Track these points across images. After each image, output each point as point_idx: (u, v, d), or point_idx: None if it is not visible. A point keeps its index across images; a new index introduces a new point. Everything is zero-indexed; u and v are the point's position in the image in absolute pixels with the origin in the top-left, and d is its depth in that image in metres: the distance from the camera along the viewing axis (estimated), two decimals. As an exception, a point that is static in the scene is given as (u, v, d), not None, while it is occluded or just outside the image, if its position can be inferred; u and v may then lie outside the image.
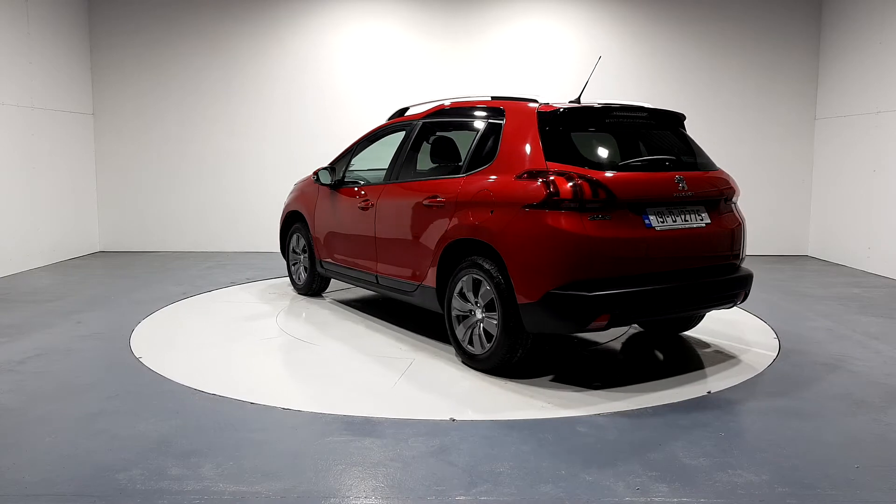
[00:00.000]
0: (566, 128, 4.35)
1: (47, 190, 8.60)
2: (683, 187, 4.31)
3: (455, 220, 4.57)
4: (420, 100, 6.67)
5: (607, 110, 4.53)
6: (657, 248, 4.20)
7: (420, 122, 5.42)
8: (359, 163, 6.26)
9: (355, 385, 4.29)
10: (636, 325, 5.55)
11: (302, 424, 3.67)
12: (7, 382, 4.29)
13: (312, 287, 6.74)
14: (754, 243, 9.57)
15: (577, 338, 5.35)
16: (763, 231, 9.64)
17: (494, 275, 4.24)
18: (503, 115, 4.59)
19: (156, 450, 3.32)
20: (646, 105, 4.80)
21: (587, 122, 4.54)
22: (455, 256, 4.65)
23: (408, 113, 5.94)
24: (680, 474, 3.11)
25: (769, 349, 5.07)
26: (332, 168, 6.20)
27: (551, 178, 4.03)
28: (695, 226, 4.38)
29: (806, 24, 9.41)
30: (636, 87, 9.47)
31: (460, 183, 4.63)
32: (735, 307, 4.89)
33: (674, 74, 9.49)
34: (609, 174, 4.15)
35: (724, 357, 4.92)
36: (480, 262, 4.35)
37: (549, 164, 4.13)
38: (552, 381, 4.36)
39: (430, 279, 4.83)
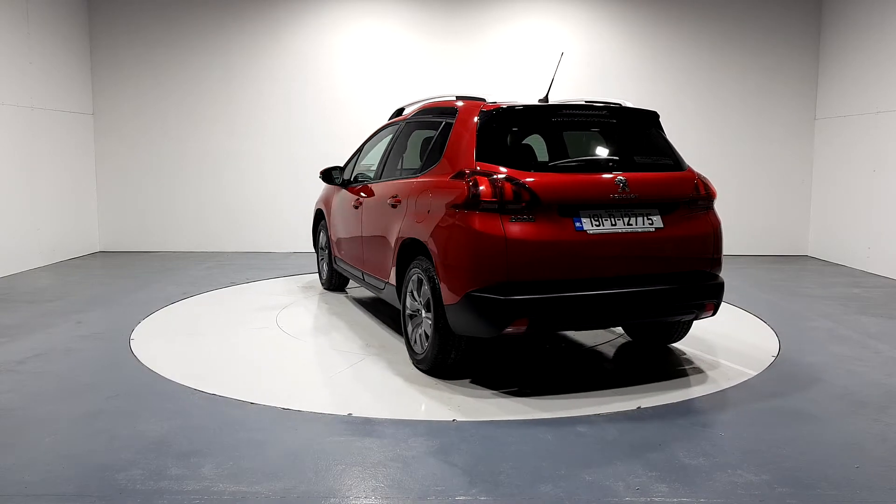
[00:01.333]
0: (506, 127, 4.30)
1: (47, 190, 8.60)
2: (624, 189, 4.04)
3: (407, 220, 4.63)
4: (419, 100, 6.67)
5: (553, 109, 4.43)
6: (589, 253, 3.97)
7: (403, 123, 5.55)
8: (367, 161, 6.39)
9: (293, 377, 4.34)
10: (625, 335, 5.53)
11: (302, 424, 3.67)
12: (7, 382, 4.29)
13: (332, 282, 7.01)
14: (754, 243, 9.63)
15: (568, 338, 5.35)
16: (763, 231, 9.66)
17: (431, 274, 4.25)
18: (454, 115, 4.55)
19: (156, 450, 3.32)
20: (612, 103, 4.64)
21: (531, 122, 4.52)
22: (408, 255, 4.68)
23: (404, 113, 5.99)
24: (680, 474, 3.11)
25: (769, 349, 5.07)
26: (339, 167, 6.39)
27: (474, 178, 3.97)
28: (640, 230, 4.08)
29: (806, 24, 9.41)
30: (636, 87, 9.48)
31: (413, 183, 4.67)
32: (704, 318, 4.44)
33: (674, 74, 9.49)
34: (534, 175, 4.00)
35: (723, 357, 4.92)
36: (421, 261, 4.39)
37: (479, 164, 4.06)
38: (471, 382, 4.32)
39: (392, 277, 4.90)
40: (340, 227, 6.35)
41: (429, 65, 9.52)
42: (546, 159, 4.53)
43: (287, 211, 9.62)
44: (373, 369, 4.58)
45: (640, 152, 4.57)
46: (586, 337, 5.37)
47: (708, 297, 4.32)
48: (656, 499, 2.89)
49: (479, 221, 3.89)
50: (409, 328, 4.63)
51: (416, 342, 4.56)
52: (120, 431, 3.54)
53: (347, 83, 9.56)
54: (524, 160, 4.20)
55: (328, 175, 6.31)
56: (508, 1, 9.47)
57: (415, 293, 4.52)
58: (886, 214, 8.01)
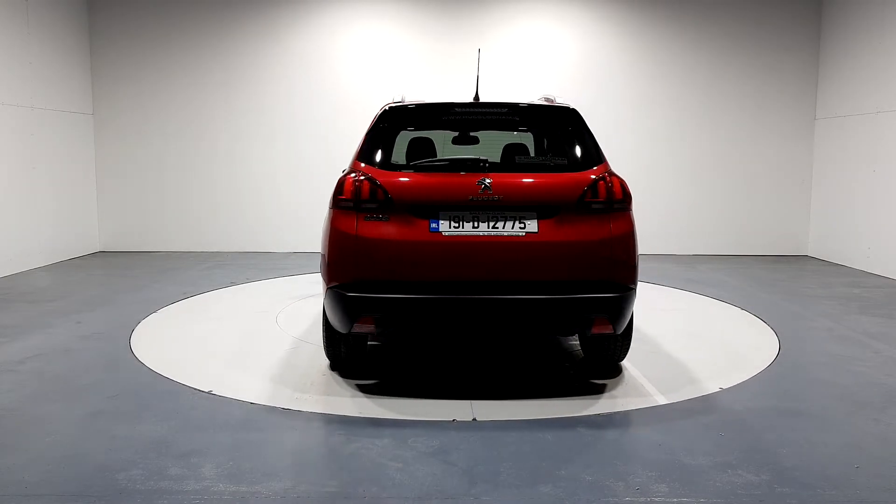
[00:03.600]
0: (396, 126, 4.34)
1: (47, 190, 8.60)
2: (486, 191, 3.84)
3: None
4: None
5: (445, 108, 4.39)
6: (444, 255, 3.85)
7: None
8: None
9: (293, 377, 4.33)
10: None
11: (302, 424, 3.67)
12: (7, 382, 4.29)
13: None
14: (754, 243, 9.63)
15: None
16: (763, 231, 9.66)
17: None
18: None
19: (156, 450, 3.32)
20: (522, 101, 4.46)
21: (424, 121, 4.49)
22: None
23: None
24: (680, 474, 3.11)
25: (769, 349, 5.07)
26: None
27: (343, 177, 4.04)
28: (507, 234, 3.86)
29: (806, 24, 9.41)
30: (636, 87, 9.49)
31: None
32: (602, 334, 4.06)
33: (674, 75, 9.49)
34: (391, 175, 3.99)
35: (724, 357, 4.92)
36: None
37: (357, 163, 4.13)
38: (376, 383, 4.35)
39: None
40: None
41: (429, 65, 9.51)
42: (414, 159, 4.42)
43: (287, 211, 9.62)
44: (284, 356, 4.58)
45: (540, 151, 4.45)
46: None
47: (596, 310, 3.88)
48: (656, 499, 2.89)
49: (337, 219, 3.97)
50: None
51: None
52: (120, 431, 3.54)
53: (347, 83, 9.55)
54: (399, 160, 4.23)
55: None
56: (508, 2, 9.47)
57: None
58: (886, 214, 8.01)
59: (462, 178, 3.92)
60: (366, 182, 3.93)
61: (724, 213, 9.65)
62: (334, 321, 4.02)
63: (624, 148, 9.49)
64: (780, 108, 9.51)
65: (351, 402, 3.99)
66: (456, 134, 5.12)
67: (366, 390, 4.21)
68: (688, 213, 9.67)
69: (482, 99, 4.57)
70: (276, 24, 9.52)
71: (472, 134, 5.10)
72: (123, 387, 4.23)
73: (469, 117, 4.49)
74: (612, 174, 4.09)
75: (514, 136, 4.69)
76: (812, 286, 7.53)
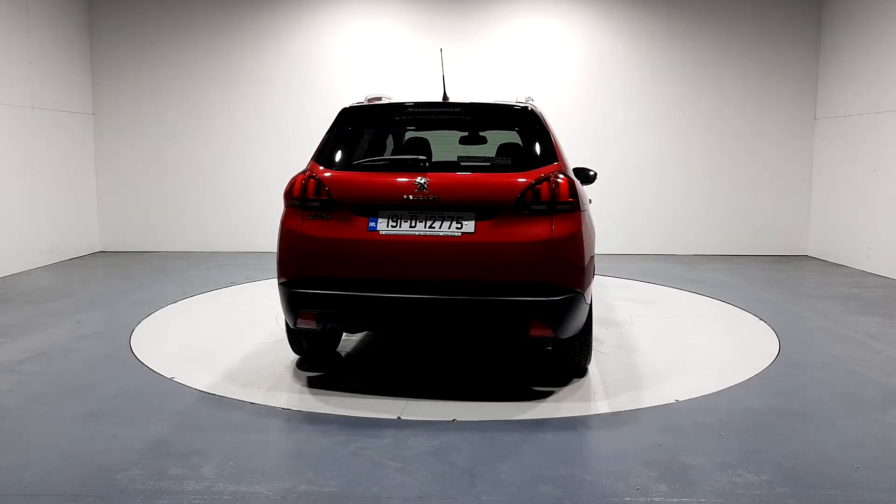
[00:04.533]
0: (352, 126, 4.43)
1: (47, 190, 8.60)
2: (422, 190, 3.86)
3: None
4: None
5: (398, 108, 4.42)
6: (381, 254, 3.90)
7: None
8: None
9: (293, 377, 4.33)
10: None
11: (302, 424, 3.67)
12: (7, 382, 4.29)
13: None
14: (754, 243, 9.63)
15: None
16: (763, 231, 9.66)
17: None
18: None
19: (156, 450, 3.32)
20: (479, 101, 4.41)
21: (379, 121, 4.53)
22: None
23: None
24: (680, 474, 3.11)
25: (769, 349, 5.07)
26: None
27: (293, 177, 4.16)
28: (444, 234, 3.86)
29: (806, 24, 9.41)
30: (636, 86, 9.49)
31: None
32: (541, 337, 3.96)
33: (674, 74, 9.49)
34: (334, 174, 4.09)
35: (723, 357, 4.92)
36: None
37: (312, 163, 4.21)
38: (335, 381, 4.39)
39: None
40: None
41: (429, 65, 9.50)
42: (362, 158, 4.45)
43: (287, 211, 9.61)
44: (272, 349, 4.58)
45: (501, 151, 4.47)
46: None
47: (533, 314, 3.81)
48: (656, 499, 2.89)
49: (286, 217, 4.12)
50: None
51: None
52: (120, 431, 3.54)
53: (348, 83, 9.54)
54: (350, 159, 4.29)
55: None
56: (509, 1, 9.47)
57: None
58: (886, 214, 8.01)
59: (400, 178, 3.99)
60: (311, 181, 4.05)
61: (725, 213, 9.65)
62: (284, 316, 4.15)
63: (623, 147, 9.50)
64: (780, 108, 9.51)
65: (352, 403, 3.99)
66: (465, 134, 5.11)
67: (368, 392, 4.20)
68: (688, 213, 9.66)
69: (451, 99, 4.57)
70: (275, 24, 9.52)
71: (480, 133, 5.09)
72: (123, 387, 4.23)
73: (423, 117, 4.53)
74: (561, 175, 3.99)
75: (507, 137, 4.71)
76: (812, 286, 7.52)
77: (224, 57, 9.57)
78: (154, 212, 9.77)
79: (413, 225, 3.89)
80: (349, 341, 5.24)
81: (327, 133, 4.37)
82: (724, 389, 4.22)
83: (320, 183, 4.02)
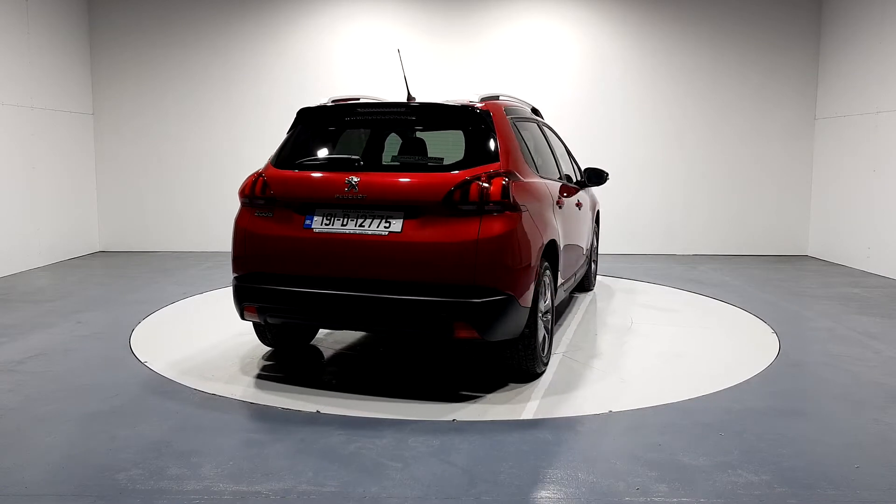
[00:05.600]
0: (309, 126, 4.56)
1: (47, 190, 8.60)
2: (352, 189, 3.94)
3: None
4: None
5: (348, 109, 4.47)
6: (315, 252, 4.03)
7: None
8: None
9: (293, 377, 4.33)
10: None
11: (302, 424, 3.67)
12: (7, 382, 4.29)
13: None
14: (754, 243, 9.63)
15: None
16: (763, 231, 9.66)
17: None
18: None
19: (156, 450, 3.32)
20: (427, 101, 4.38)
21: (334, 121, 4.60)
22: None
23: None
24: (680, 474, 3.11)
25: (769, 349, 5.07)
26: None
27: (249, 175, 4.34)
28: (371, 233, 3.91)
29: (806, 24, 9.41)
30: (636, 86, 9.49)
31: None
32: (468, 339, 3.85)
33: (674, 74, 9.49)
34: (277, 173, 4.25)
35: (723, 357, 4.92)
36: None
37: (269, 163, 4.38)
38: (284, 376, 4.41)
39: None
40: None
41: (429, 64, 9.51)
42: (312, 157, 4.46)
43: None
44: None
45: (435, 150, 4.51)
46: (591, 335, 5.36)
47: (455, 315, 3.77)
48: (656, 499, 2.89)
49: (238, 215, 4.36)
50: None
51: None
52: (120, 431, 3.54)
53: (348, 83, 9.54)
54: (302, 158, 4.36)
55: None
56: (509, 1, 9.47)
57: None
58: (886, 214, 8.01)
59: (332, 177, 4.08)
60: (260, 180, 4.25)
61: (725, 213, 9.66)
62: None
63: (623, 147, 9.50)
64: (780, 108, 9.51)
65: (353, 404, 3.98)
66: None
67: (370, 393, 4.21)
68: (688, 212, 9.67)
69: (418, 100, 4.53)
70: (275, 24, 9.52)
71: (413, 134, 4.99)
72: (123, 387, 4.23)
73: (374, 118, 4.58)
74: (496, 175, 3.92)
75: (402, 136, 4.80)
76: (812, 286, 7.53)
77: (224, 57, 9.57)
78: (154, 212, 9.77)
79: (345, 223, 4.00)
80: (349, 341, 5.24)
81: (288, 133, 4.55)
82: (724, 389, 4.22)
83: (266, 182, 4.22)
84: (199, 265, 8.60)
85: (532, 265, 4.06)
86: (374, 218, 3.95)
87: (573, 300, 6.62)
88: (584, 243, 6.13)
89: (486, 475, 3.09)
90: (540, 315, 4.34)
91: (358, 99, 4.63)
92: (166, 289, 7.10)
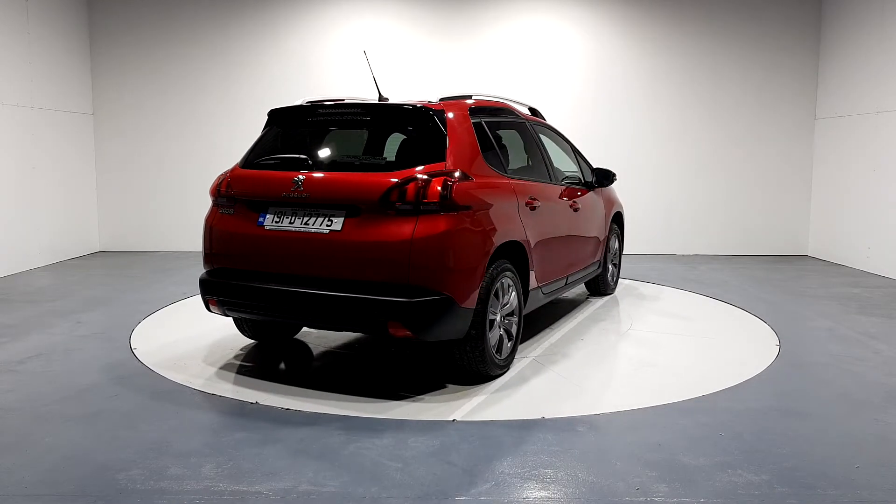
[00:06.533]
0: (276, 126, 4.72)
1: (47, 190, 8.59)
2: (298, 188, 4.05)
3: None
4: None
5: (310, 110, 4.54)
6: (265, 248, 4.21)
7: None
8: None
9: (293, 377, 4.33)
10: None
11: (302, 424, 3.67)
12: (7, 382, 4.29)
13: None
14: (754, 243, 9.63)
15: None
16: (763, 231, 9.66)
17: None
18: None
19: (156, 450, 3.32)
20: (380, 102, 4.46)
21: (297, 122, 4.69)
22: None
23: None
24: (680, 474, 3.11)
25: (769, 349, 5.07)
26: None
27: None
28: (313, 231, 4.01)
29: (806, 24, 9.41)
30: (636, 86, 9.49)
31: None
32: (403, 338, 3.89)
33: (673, 74, 9.49)
34: (239, 172, 4.44)
35: (723, 357, 4.92)
36: None
37: (237, 163, 4.56)
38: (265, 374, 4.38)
39: None
40: None
41: (429, 64, 9.51)
42: (277, 157, 4.50)
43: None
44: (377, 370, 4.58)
45: (398, 150, 4.50)
46: (591, 336, 5.37)
47: (388, 314, 3.79)
48: (656, 499, 2.89)
49: (208, 213, 4.62)
50: None
51: None
52: (120, 431, 3.55)
53: (347, 83, 9.54)
54: (269, 158, 4.48)
55: None
56: (511, 0, 9.47)
57: None
58: (886, 214, 8.01)
59: (282, 176, 4.20)
60: (225, 179, 4.46)
61: (725, 212, 9.65)
62: None
63: (624, 147, 9.50)
64: (780, 108, 9.51)
65: (353, 404, 3.99)
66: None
67: (371, 393, 4.21)
68: (688, 212, 9.67)
69: (389, 100, 4.60)
70: (275, 24, 9.52)
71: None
72: (123, 387, 4.23)
73: (334, 118, 4.60)
74: (436, 174, 3.93)
75: (359, 135, 4.92)
76: (812, 286, 7.53)
77: (224, 56, 9.56)
78: (154, 212, 9.76)
79: (292, 221, 4.12)
80: (348, 340, 5.24)
81: (265, 131, 4.72)
82: (724, 389, 4.22)
83: (229, 182, 4.42)
84: (199, 265, 8.54)
85: (476, 266, 4.03)
86: (318, 216, 4.06)
87: (581, 303, 6.62)
88: (586, 245, 6.02)
89: (486, 475, 3.09)
90: (499, 317, 4.32)
91: (343, 100, 4.67)
92: (166, 289, 7.10)
